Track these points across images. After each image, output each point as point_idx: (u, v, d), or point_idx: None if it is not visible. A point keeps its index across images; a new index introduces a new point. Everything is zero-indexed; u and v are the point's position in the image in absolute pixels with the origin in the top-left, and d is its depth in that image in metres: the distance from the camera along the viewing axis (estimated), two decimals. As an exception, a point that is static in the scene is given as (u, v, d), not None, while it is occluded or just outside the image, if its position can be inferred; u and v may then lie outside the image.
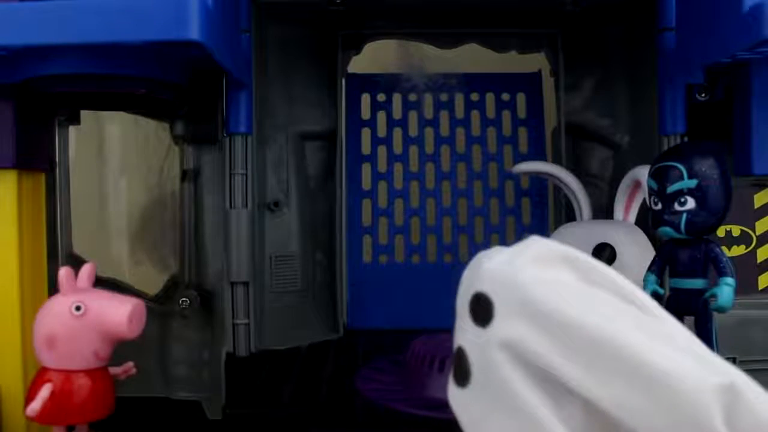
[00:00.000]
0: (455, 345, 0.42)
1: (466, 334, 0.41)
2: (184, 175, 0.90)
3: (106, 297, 0.69)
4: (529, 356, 0.37)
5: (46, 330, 0.68)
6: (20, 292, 0.75)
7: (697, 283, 0.71)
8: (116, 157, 1.30)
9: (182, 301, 0.86)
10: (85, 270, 0.72)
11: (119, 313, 0.68)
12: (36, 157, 0.78)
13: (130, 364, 0.75)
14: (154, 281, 1.01)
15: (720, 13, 0.71)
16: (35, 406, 0.67)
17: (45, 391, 0.67)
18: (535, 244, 0.40)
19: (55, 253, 0.85)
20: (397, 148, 1.19)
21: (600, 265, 0.38)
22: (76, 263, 0.86)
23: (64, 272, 0.69)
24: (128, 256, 1.29)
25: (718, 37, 0.72)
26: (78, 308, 0.67)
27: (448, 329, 0.43)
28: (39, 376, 0.69)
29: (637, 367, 0.35)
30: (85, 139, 1.21)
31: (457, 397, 0.42)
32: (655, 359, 0.34)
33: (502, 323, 0.38)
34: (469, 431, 0.41)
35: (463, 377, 0.41)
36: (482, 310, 0.39)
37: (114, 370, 0.73)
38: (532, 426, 0.37)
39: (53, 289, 0.82)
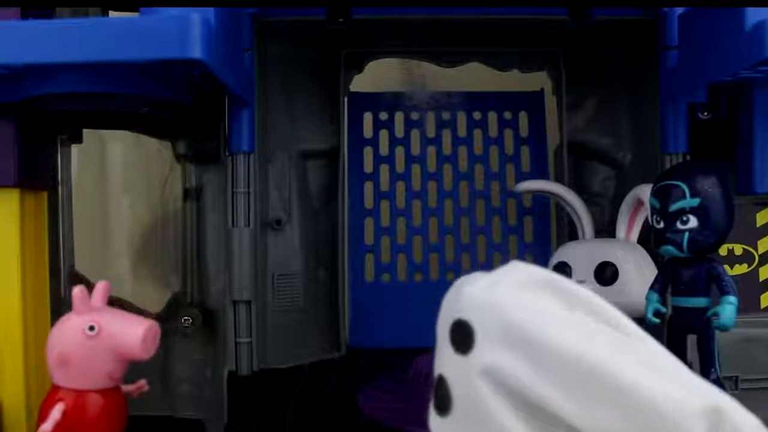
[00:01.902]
0: (435, 373, 0.42)
1: (446, 361, 0.41)
2: (186, 193, 0.90)
3: (120, 317, 0.69)
4: (512, 383, 0.37)
5: (59, 349, 0.68)
6: (22, 309, 0.75)
7: (699, 302, 0.71)
8: (118, 175, 1.30)
9: (184, 319, 0.86)
10: (99, 289, 0.71)
11: (133, 334, 0.67)
12: (38, 175, 0.78)
13: (143, 381, 0.75)
14: (156, 299, 1.01)
15: (722, 32, 0.71)
16: (47, 427, 0.66)
17: (57, 413, 0.67)
18: (516, 269, 0.39)
19: (57, 270, 0.85)
20: (400, 167, 1.19)
21: (582, 290, 0.38)
22: (79, 281, 0.87)
23: (78, 291, 0.68)
24: (130, 274, 1.29)
25: (721, 56, 0.72)
26: (92, 328, 0.67)
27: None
28: (51, 394, 0.68)
29: (621, 393, 0.34)
30: (87, 157, 1.21)
31: (438, 426, 0.42)
32: (639, 384, 0.34)
33: (483, 350, 0.38)
34: None
35: (444, 406, 0.41)
36: (462, 337, 0.39)
37: (127, 388, 0.73)
38: None
39: (55, 306, 0.82)
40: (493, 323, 0.38)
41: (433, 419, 0.42)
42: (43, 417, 0.67)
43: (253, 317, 0.87)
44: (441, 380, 0.41)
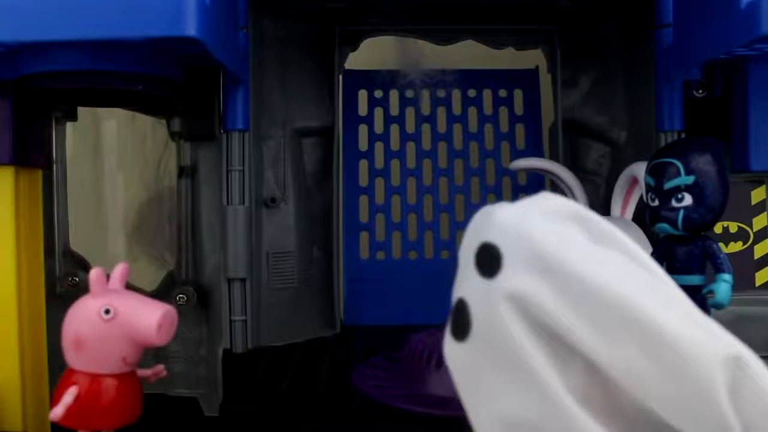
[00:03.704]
0: (455, 297, 0.41)
1: (469, 284, 0.40)
2: (181, 171, 0.90)
3: (137, 301, 0.67)
4: (536, 310, 0.36)
5: (74, 332, 0.67)
6: (17, 288, 0.74)
7: (694, 280, 0.71)
8: (113, 153, 1.30)
9: (179, 297, 0.85)
10: (118, 271, 0.70)
11: (149, 319, 0.66)
12: (33, 153, 0.78)
13: (161, 367, 0.74)
14: (151, 277, 1.01)
15: (717, 10, 0.71)
16: (58, 410, 0.66)
17: (68, 396, 0.66)
18: (547, 199, 0.39)
19: (52, 249, 0.85)
20: (395, 145, 1.19)
21: (610, 227, 0.38)
22: (73, 260, 0.86)
23: (95, 273, 0.67)
24: (125, 253, 1.29)
25: (716, 33, 0.72)
26: (107, 311, 0.66)
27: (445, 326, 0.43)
28: (65, 377, 0.68)
29: (647, 330, 0.34)
30: (82, 135, 1.21)
31: (454, 352, 0.41)
32: (665, 324, 0.34)
33: (510, 275, 0.37)
34: (465, 387, 0.40)
35: (462, 330, 0.40)
36: (489, 260, 0.38)
37: (143, 372, 0.72)
38: (532, 383, 0.37)
39: (50, 285, 0.82)
40: (522, 249, 0.37)
41: (450, 345, 0.41)
42: (56, 400, 0.67)
43: (248, 295, 0.87)
44: (461, 304, 0.40)
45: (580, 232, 0.38)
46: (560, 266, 0.36)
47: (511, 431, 0.38)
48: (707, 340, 0.34)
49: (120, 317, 0.66)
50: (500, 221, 0.38)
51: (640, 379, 0.35)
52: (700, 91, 0.86)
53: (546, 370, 0.36)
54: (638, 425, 0.36)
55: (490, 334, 0.38)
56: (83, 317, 0.66)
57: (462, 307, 0.40)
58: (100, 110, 1.19)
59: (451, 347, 0.41)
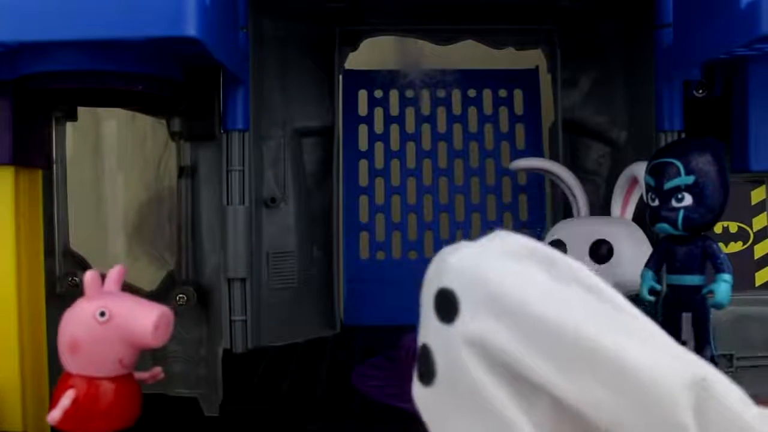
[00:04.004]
0: (419, 343, 0.41)
1: (430, 330, 0.40)
2: (181, 171, 0.90)
3: (132, 303, 0.67)
4: (496, 353, 0.36)
5: (69, 335, 0.67)
6: (17, 289, 0.74)
7: (694, 280, 0.71)
8: (113, 153, 1.30)
9: (179, 297, 0.85)
10: (114, 273, 0.70)
11: (145, 321, 0.66)
12: (33, 153, 0.78)
13: (158, 369, 0.74)
14: (151, 277, 1.01)
15: (717, 9, 0.71)
16: (55, 414, 0.66)
17: (66, 400, 0.66)
18: (501, 238, 0.39)
19: (52, 249, 0.85)
20: (395, 145, 1.19)
21: (568, 260, 0.38)
22: (73, 260, 0.86)
23: (89, 276, 0.67)
24: (125, 253, 1.29)
25: (716, 33, 0.72)
26: (102, 314, 0.66)
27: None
28: (62, 381, 0.68)
29: (607, 362, 0.34)
30: (82, 135, 1.21)
31: (421, 397, 0.41)
32: (625, 354, 0.34)
33: (468, 319, 0.37)
34: (435, 430, 0.41)
35: (427, 376, 0.40)
36: (447, 305, 0.38)
37: (140, 375, 0.72)
38: (499, 424, 0.37)
39: (50, 285, 0.82)
40: (478, 292, 0.37)
41: (417, 389, 0.41)
42: (54, 404, 0.67)
43: (248, 295, 0.87)
44: (425, 350, 0.40)
45: (538, 270, 0.38)
46: (517, 307, 0.36)
47: None
48: (669, 364, 0.34)
49: (115, 319, 0.65)
50: (456, 265, 0.39)
51: (607, 412, 0.35)
52: (700, 91, 0.86)
53: (511, 411, 0.36)
54: None
55: (454, 378, 0.38)
56: (78, 320, 0.66)
57: (426, 353, 0.40)
58: (100, 110, 1.19)
59: (418, 391, 0.41)
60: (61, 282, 0.85)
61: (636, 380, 0.34)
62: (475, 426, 0.38)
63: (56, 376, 0.68)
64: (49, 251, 0.82)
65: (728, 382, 0.35)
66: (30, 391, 0.74)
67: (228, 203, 0.86)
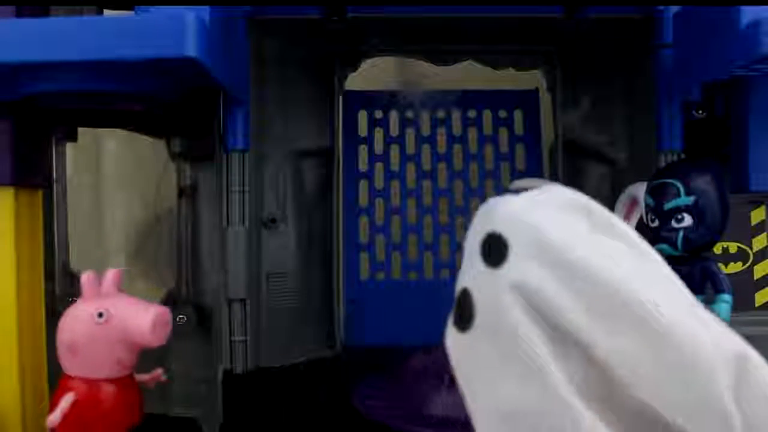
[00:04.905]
0: (459, 287, 0.41)
1: (474, 274, 0.39)
2: (181, 192, 0.90)
3: (130, 303, 0.68)
4: (540, 301, 0.36)
5: (68, 337, 0.67)
6: (17, 309, 0.74)
7: (694, 300, 0.71)
8: (113, 174, 1.30)
9: (179, 317, 0.86)
10: (111, 275, 0.70)
11: (143, 321, 0.66)
12: (33, 173, 0.78)
13: (159, 371, 0.75)
14: (151, 298, 1.01)
15: (717, 30, 0.71)
16: (54, 417, 0.66)
17: (65, 402, 0.66)
18: (555, 190, 0.39)
19: (52, 269, 0.85)
20: (395, 165, 1.19)
21: (619, 221, 0.38)
22: (73, 280, 0.87)
23: (86, 277, 0.68)
24: (125, 273, 1.29)
25: (716, 54, 0.72)
26: (100, 315, 0.66)
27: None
28: (62, 384, 0.68)
29: (651, 323, 0.34)
30: (82, 155, 1.21)
31: (456, 342, 0.41)
32: (671, 317, 0.34)
33: (515, 265, 0.37)
34: (467, 378, 0.40)
35: (465, 321, 0.40)
36: (495, 250, 0.38)
37: (141, 377, 0.72)
38: (533, 372, 0.36)
39: (50, 305, 0.82)
40: (529, 239, 0.37)
41: (452, 335, 0.41)
42: (53, 406, 0.67)
43: (248, 316, 0.87)
44: (465, 294, 0.40)
45: (587, 223, 0.38)
46: (566, 258, 0.36)
47: (508, 420, 0.38)
48: (712, 336, 0.34)
49: (113, 320, 0.66)
50: (507, 211, 0.38)
51: (642, 373, 0.35)
52: (700, 112, 0.86)
53: (547, 360, 0.36)
54: (635, 417, 0.36)
55: (493, 323, 0.38)
56: (77, 322, 0.67)
57: (466, 297, 0.40)
58: (100, 130, 1.19)
59: (453, 337, 0.41)
60: (60, 301, 0.86)
61: (676, 347, 0.34)
62: (509, 373, 0.37)
63: (56, 395, 0.68)
64: (49, 271, 0.82)
65: (766, 364, 0.35)
66: (30, 410, 0.74)
67: (228, 224, 0.86)
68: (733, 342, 0.35)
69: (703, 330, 0.34)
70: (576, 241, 0.37)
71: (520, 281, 0.37)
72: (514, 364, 0.37)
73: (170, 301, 0.92)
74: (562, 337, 0.36)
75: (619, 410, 0.36)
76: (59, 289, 0.87)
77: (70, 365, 0.67)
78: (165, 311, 0.68)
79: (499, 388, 0.38)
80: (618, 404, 0.36)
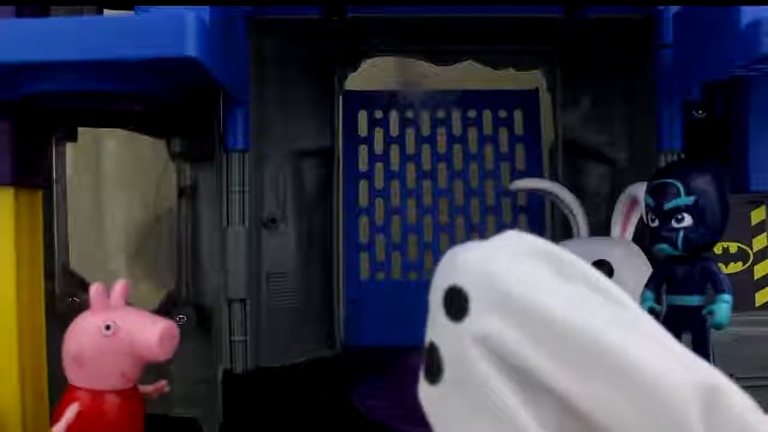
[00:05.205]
0: (427, 340, 0.41)
1: (438, 328, 0.40)
2: (181, 192, 0.90)
3: (137, 316, 0.68)
4: (504, 352, 0.36)
5: (74, 348, 0.67)
6: (17, 309, 0.74)
7: (694, 300, 0.71)
8: (113, 174, 1.30)
9: (179, 317, 0.86)
10: (119, 287, 0.70)
11: (150, 334, 0.66)
12: (33, 174, 0.78)
13: (163, 383, 0.74)
14: (151, 298, 1.01)
15: (717, 30, 0.71)
16: (59, 427, 0.66)
17: (70, 413, 0.66)
18: (512, 238, 0.39)
19: (52, 269, 0.85)
20: (394, 165, 1.19)
21: (578, 261, 0.38)
22: (73, 280, 0.86)
23: (95, 289, 0.67)
24: (125, 273, 1.29)
25: (716, 54, 0.72)
26: (108, 327, 0.66)
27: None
28: (67, 395, 0.68)
29: (616, 363, 0.34)
30: (82, 155, 1.21)
31: (427, 395, 0.41)
32: (635, 355, 0.34)
33: (478, 317, 0.37)
34: (440, 428, 0.41)
35: (434, 374, 0.40)
36: (456, 304, 0.38)
37: (145, 388, 0.72)
38: (505, 423, 0.37)
39: (50, 305, 0.82)
40: (489, 290, 0.37)
41: (423, 388, 0.41)
42: (57, 417, 0.66)
43: (248, 316, 0.87)
44: (432, 348, 0.40)
45: (547, 270, 0.38)
46: (527, 306, 0.36)
47: None
48: (680, 370, 0.34)
49: (121, 333, 0.66)
50: (466, 263, 0.39)
51: (613, 413, 0.35)
52: (700, 112, 0.86)
53: (518, 410, 0.36)
54: None
55: (461, 376, 0.38)
56: (84, 334, 0.66)
57: (433, 351, 0.40)
58: (100, 130, 1.19)
59: (424, 390, 0.41)
60: (60, 302, 0.86)
61: (644, 381, 0.34)
62: (482, 424, 0.38)
63: (57, 396, 0.68)
64: (49, 271, 0.82)
65: (740, 392, 0.35)
66: (30, 411, 0.74)
67: (228, 224, 0.86)
68: (703, 373, 0.35)
69: (672, 365, 0.34)
70: (537, 289, 0.37)
71: (482, 334, 0.37)
72: (485, 415, 0.38)
73: (170, 301, 0.92)
74: (531, 384, 0.36)
75: None
76: (59, 289, 0.87)
77: (75, 376, 0.67)
78: (172, 325, 0.68)
79: None
80: None
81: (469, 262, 0.39)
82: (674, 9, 0.84)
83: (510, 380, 0.37)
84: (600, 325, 0.35)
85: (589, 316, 0.35)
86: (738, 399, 0.35)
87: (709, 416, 0.34)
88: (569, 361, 0.35)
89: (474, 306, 0.38)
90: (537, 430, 0.36)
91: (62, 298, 0.86)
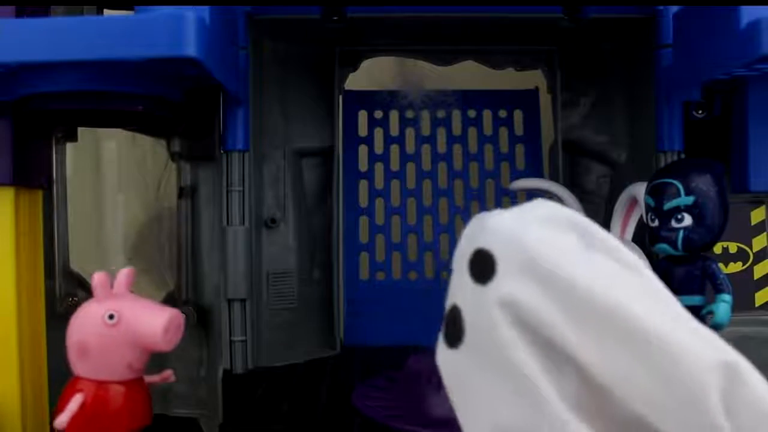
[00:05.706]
0: (449, 303, 0.41)
1: (462, 291, 0.39)
2: (181, 191, 0.90)
3: (142, 306, 0.67)
4: (528, 317, 0.36)
5: (78, 338, 0.66)
6: (17, 308, 0.74)
7: (694, 300, 0.71)
8: (113, 174, 1.30)
9: (179, 317, 0.85)
10: (123, 275, 0.69)
11: (154, 324, 0.65)
12: (33, 173, 0.78)
13: (169, 372, 0.74)
14: (151, 297, 1.00)
15: (717, 31, 0.71)
16: (63, 418, 0.65)
17: (74, 404, 0.65)
18: (542, 205, 0.39)
19: (52, 269, 0.85)
20: (394, 165, 1.19)
21: (604, 233, 0.38)
22: (73, 280, 0.86)
23: (98, 278, 0.67)
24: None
25: (715, 54, 0.72)
26: (111, 317, 0.65)
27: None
28: (70, 385, 0.67)
29: (638, 336, 0.34)
30: (82, 155, 1.21)
31: (446, 358, 0.40)
32: (658, 329, 0.34)
33: (504, 281, 0.37)
34: (457, 394, 0.40)
35: (455, 337, 0.39)
36: (483, 266, 0.38)
37: (151, 378, 0.71)
38: (525, 389, 0.36)
39: (50, 305, 0.82)
40: (516, 254, 0.37)
41: (442, 351, 0.41)
42: (61, 408, 0.66)
43: (248, 316, 0.87)
44: (454, 311, 0.40)
45: (574, 238, 0.37)
46: (553, 273, 0.36)
47: None
48: (701, 346, 0.34)
49: (125, 322, 0.65)
50: (495, 227, 0.38)
51: (632, 385, 0.34)
52: (700, 112, 0.86)
53: (539, 376, 0.36)
54: (629, 429, 0.36)
55: (483, 340, 0.38)
56: (87, 323, 0.66)
57: (455, 314, 0.40)
58: (101, 131, 1.19)
59: (443, 354, 0.41)
60: (61, 301, 0.85)
61: (665, 357, 0.34)
62: (501, 390, 0.37)
63: (57, 395, 0.68)
64: (49, 271, 0.82)
65: (757, 372, 0.35)
66: (30, 410, 0.74)
67: (228, 223, 0.86)
68: (723, 351, 0.35)
69: (695, 340, 0.34)
70: (564, 256, 0.36)
71: (508, 297, 0.37)
72: (506, 382, 0.37)
73: (170, 301, 0.92)
74: (552, 351, 0.36)
75: (612, 423, 0.36)
76: (59, 288, 0.87)
77: (79, 367, 0.66)
78: (178, 314, 0.67)
79: (491, 405, 0.38)
80: (611, 417, 0.36)
81: (499, 226, 0.38)
82: (674, 9, 0.84)
83: (532, 346, 0.36)
84: (623, 297, 0.35)
85: (614, 287, 0.35)
86: (757, 379, 0.35)
87: (729, 395, 0.34)
88: (591, 330, 0.35)
89: (500, 269, 0.37)
90: (556, 396, 0.36)
91: (62, 298, 0.86)
